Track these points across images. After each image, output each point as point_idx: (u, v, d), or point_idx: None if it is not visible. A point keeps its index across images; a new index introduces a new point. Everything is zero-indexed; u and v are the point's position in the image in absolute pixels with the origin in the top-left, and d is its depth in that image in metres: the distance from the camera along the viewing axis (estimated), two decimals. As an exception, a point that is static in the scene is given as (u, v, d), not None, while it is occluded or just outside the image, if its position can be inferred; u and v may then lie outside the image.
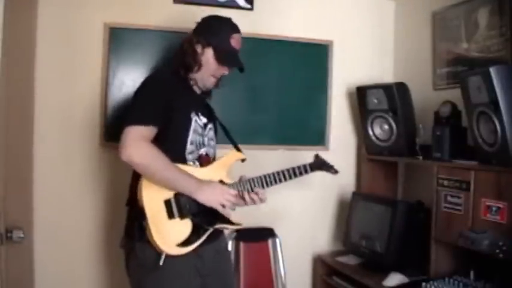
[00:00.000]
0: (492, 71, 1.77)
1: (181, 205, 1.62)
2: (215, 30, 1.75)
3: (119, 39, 2.39)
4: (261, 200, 1.77)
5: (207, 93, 1.87)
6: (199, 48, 1.73)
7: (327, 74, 2.78)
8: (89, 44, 2.37)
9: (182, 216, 1.62)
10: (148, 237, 1.58)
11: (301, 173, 1.83)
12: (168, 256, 1.57)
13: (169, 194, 1.62)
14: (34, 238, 2.26)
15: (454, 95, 2.18)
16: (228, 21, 1.81)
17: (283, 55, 2.69)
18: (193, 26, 1.81)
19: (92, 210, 2.40)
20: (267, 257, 2.63)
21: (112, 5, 2.40)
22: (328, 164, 1.93)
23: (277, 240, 2.64)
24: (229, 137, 1.90)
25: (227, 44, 1.75)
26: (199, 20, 1.83)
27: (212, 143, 1.83)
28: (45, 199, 2.30)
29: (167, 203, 1.61)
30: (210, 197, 1.64)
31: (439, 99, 2.32)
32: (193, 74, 1.76)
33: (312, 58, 2.77)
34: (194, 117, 1.71)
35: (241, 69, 1.82)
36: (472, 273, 1.96)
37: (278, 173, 1.79)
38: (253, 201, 1.76)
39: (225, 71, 1.78)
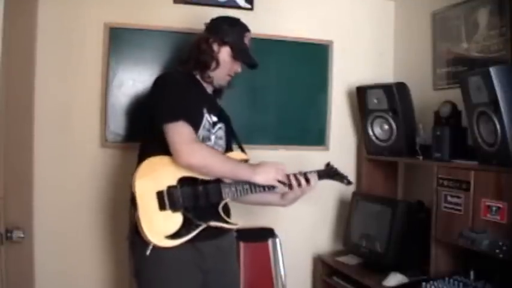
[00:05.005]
0: (492, 71, 1.77)
1: (173, 198, 1.60)
2: (229, 29, 1.80)
3: (119, 39, 2.39)
4: (309, 184, 1.76)
5: (218, 93, 1.90)
6: (215, 47, 1.77)
7: (327, 74, 2.78)
8: (89, 44, 2.37)
9: (174, 209, 1.61)
10: (138, 228, 1.58)
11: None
12: (158, 248, 1.56)
13: (163, 186, 1.60)
14: (34, 238, 2.26)
15: (454, 95, 2.18)
16: (239, 20, 1.86)
17: (283, 55, 2.69)
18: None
19: (91, 210, 2.40)
20: (267, 257, 2.62)
21: (112, 5, 2.39)
22: (342, 174, 1.92)
23: (277, 240, 2.64)
24: (236, 137, 1.92)
25: (241, 41, 1.81)
26: (204, 20, 1.85)
27: (220, 142, 1.83)
28: (45, 199, 2.29)
29: (159, 194, 1.60)
30: (267, 177, 1.69)
31: (439, 99, 2.32)
32: (210, 72, 1.78)
33: (312, 58, 2.76)
34: (206, 114, 1.74)
35: (253, 66, 1.84)
36: (472, 273, 1.95)
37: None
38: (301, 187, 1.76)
39: (238, 68, 1.82)
